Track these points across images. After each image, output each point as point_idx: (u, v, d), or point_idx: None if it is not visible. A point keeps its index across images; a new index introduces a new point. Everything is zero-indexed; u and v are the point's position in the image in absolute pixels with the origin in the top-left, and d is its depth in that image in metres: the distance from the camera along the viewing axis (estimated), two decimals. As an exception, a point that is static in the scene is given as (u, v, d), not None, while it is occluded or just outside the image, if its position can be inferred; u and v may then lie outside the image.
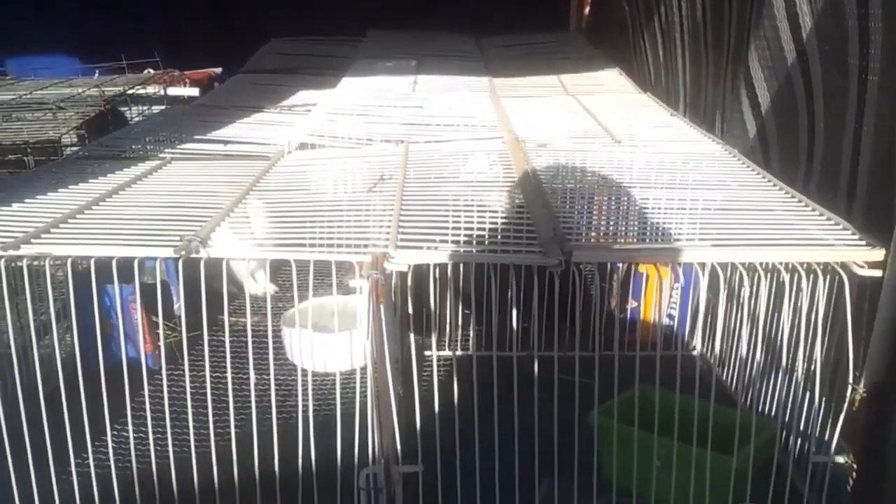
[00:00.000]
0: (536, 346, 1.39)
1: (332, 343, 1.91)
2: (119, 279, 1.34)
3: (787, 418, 1.51)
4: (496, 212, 1.58)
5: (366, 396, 1.32)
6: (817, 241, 1.39)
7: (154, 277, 1.71)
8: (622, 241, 1.79)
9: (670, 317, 2.13)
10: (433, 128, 2.28)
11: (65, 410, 1.32)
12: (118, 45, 4.08)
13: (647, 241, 1.58)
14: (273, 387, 1.39)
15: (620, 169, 1.85)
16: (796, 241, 1.39)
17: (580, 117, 2.45)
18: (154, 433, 1.43)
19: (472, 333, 2.07)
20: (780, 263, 1.32)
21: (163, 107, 3.66)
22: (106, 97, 3.43)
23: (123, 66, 4.00)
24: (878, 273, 1.29)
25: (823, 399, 1.40)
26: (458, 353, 2.06)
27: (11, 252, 1.31)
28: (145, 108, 3.72)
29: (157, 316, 1.98)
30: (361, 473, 1.34)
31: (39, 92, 3.52)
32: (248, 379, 1.45)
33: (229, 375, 1.38)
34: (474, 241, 1.43)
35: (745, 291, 1.38)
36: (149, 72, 4.06)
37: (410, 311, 1.42)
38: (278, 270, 2.44)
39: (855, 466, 1.36)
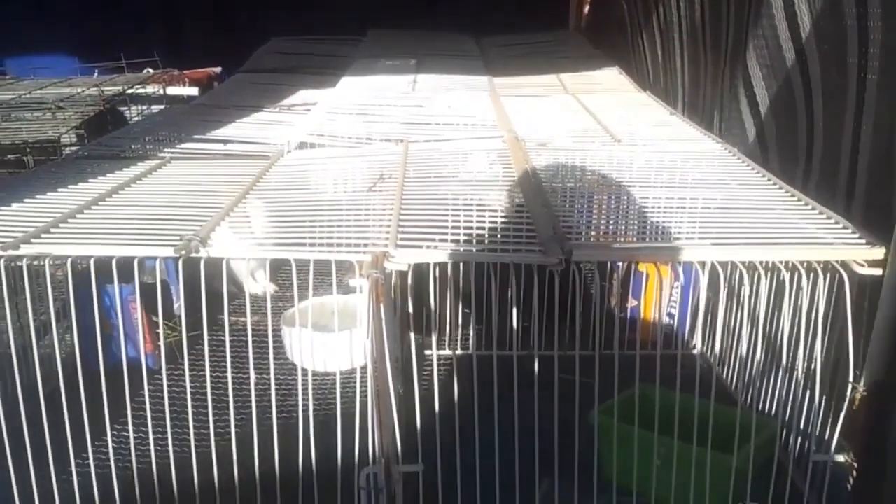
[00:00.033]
0: (537, 346, 1.39)
1: (332, 342, 1.91)
2: (119, 279, 1.34)
3: (787, 417, 1.51)
4: (496, 211, 1.58)
5: (366, 396, 1.32)
6: (817, 239, 1.39)
7: (154, 277, 1.71)
8: (622, 239, 1.79)
9: (670, 316, 2.13)
10: (433, 127, 2.28)
11: (65, 410, 1.32)
12: (118, 44, 4.08)
13: (647, 239, 1.58)
14: (273, 386, 1.39)
15: (620, 168, 1.85)
16: (796, 240, 1.39)
17: (580, 116, 2.45)
18: (154, 433, 1.43)
19: (472, 333, 2.07)
20: (780, 262, 1.32)
21: (162, 106, 3.66)
22: (105, 97, 3.42)
23: (122, 65, 3.99)
24: (878, 272, 1.29)
25: (823, 398, 1.40)
26: (459, 352, 2.06)
27: (11, 252, 1.31)
28: (144, 107, 3.72)
29: (157, 316, 1.98)
30: (362, 473, 1.34)
31: (39, 92, 3.52)
32: (249, 378, 1.45)
33: (229, 375, 1.38)
34: (474, 241, 1.43)
35: (745, 290, 1.38)
36: (148, 71, 4.05)
37: (410, 310, 1.42)
38: (278, 270, 2.44)
39: (855, 465, 1.36)
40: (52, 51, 4.57)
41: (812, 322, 1.34)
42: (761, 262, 1.34)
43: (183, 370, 1.37)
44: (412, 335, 1.65)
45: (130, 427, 1.38)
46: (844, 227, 1.42)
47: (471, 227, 1.49)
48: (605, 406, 1.53)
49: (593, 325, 1.84)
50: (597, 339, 1.79)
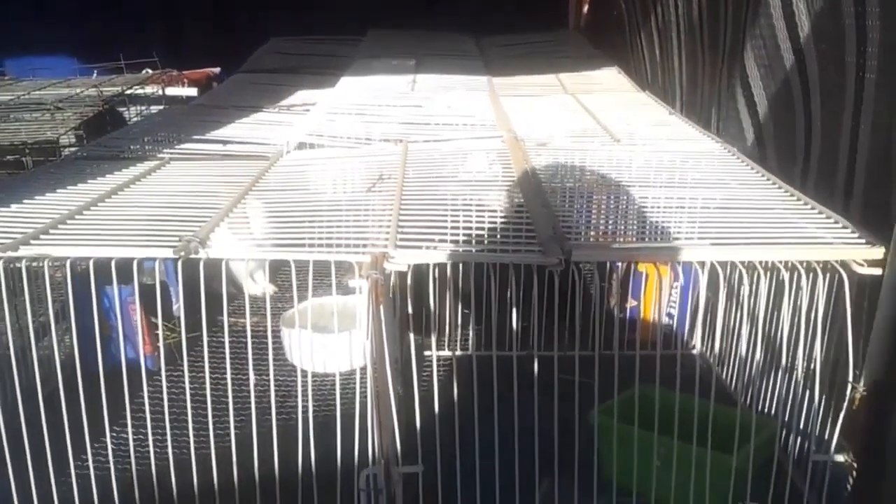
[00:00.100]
0: (536, 346, 1.39)
1: (332, 343, 1.91)
2: (118, 280, 1.33)
3: (786, 417, 1.51)
4: (495, 211, 1.58)
5: (365, 397, 1.32)
6: (817, 239, 1.39)
7: (153, 278, 1.71)
8: (622, 240, 1.79)
9: (670, 316, 2.13)
10: (432, 127, 2.28)
11: (64, 412, 1.32)
12: (118, 45, 4.08)
13: (647, 239, 1.58)
14: (273, 387, 1.38)
15: (620, 168, 1.84)
16: (796, 240, 1.39)
17: (579, 116, 2.45)
18: (153, 435, 1.43)
19: (471, 333, 2.06)
20: (780, 262, 1.32)
21: (161, 107, 3.66)
22: (104, 97, 3.42)
23: (121, 66, 3.99)
24: (877, 271, 1.28)
25: (823, 398, 1.40)
26: (458, 352, 2.06)
27: (10, 253, 1.31)
28: (143, 108, 3.72)
29: (156, 317, 1.98)
30: (361, 474, 1.34)
31: (38, 92, 3.52)
32: (248, 380, 1.44)
33: (229, 376, 1.38)
34: (474, 241, 1.43)
35: (745, 290, 1.37)
36: (147, 72, 4.05)
37: (410, 310, 1.42)
38: (278, 271, 2.44)
39: (855, 465, 1.36)
40: (51, 51, 4.58)
41: (811, 322, 1.34)
42: (761, 262, 1.34)
43: (182, 371, 1.36)
44: (412, 336, 1.65)
45: (130, 429, 1.38)
46: (844, 227, 1.42)
47: (470, 228, 1.49)
48: (605, 406, 1.53)
49: (593, 325, 1.84)
50: (596, 340, 1.79)
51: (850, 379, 1.34)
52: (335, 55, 3.73)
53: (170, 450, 1.41)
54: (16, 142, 2.84)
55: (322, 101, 2.65)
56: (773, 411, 1.60)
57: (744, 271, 1.32)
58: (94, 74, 4.15)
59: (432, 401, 1.39)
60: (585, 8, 4.71)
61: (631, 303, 2.14)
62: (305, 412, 1.41)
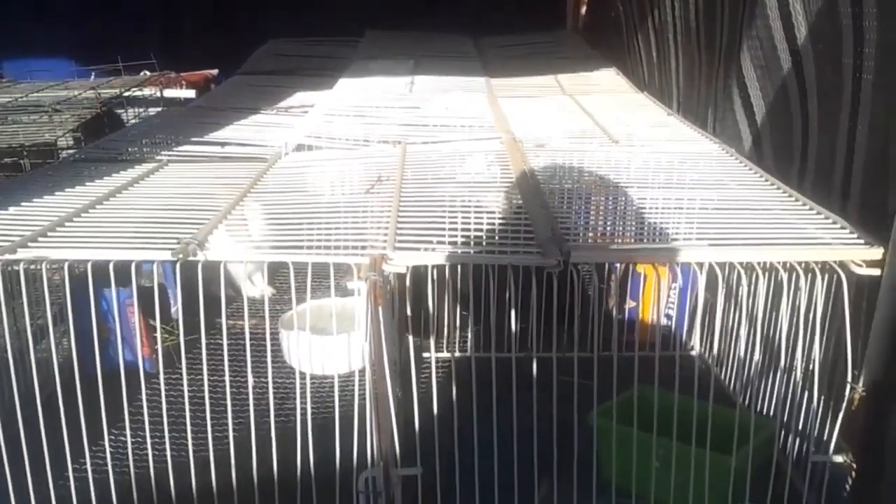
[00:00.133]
0: (535, 347, 1.39)
1: (331, 345, 1.91)
2: (116, 283, 1.33)
3: (785, 418, 1.51)
4: (494, 212, 1.58)
5: (364, 399, 1.32)
6: (815, 240, 1.39)
7: (151, 281, 1.70)
8: (620, 241, 1.79)
9: (668, 317, 2.13)
10: (430, 128, 2.28)
11: (62, 415, 1.32)
12: (117, 46, 4.08)
13: (645, 241, 1.58)
14: (271, 390, 1.38)
15: (618, 169, 1.84)
16: (794, 241, 1.39)
17: (577, 117, 2.45)
18: (152, 437, 1.42)
19: (470, 335, 2.06)
20: (779, 262, 1.32)
21: (159, 109, 3.66)
22: (102, 99, 3.42)
23: (119, 68, 3.99)
24: (876, 272, 1.29)
25: (822, 398, 1.40)
26: (457, 354, 2.06)
27: (8, 256, 1.30)
28: (141, 110, 3.71)
29: (154, 319, 1.97)
30: (360, 477, 1.34)
31: (35, 94, 3.51)
32: (246, 382, 1.44)
33: (227, 379, 1.38)
34: (472, 242, 1.43)
35: (744, 291, 1.37)
36: (145, 74, 4.05)
37: (409, 312, 1.42)
38: (276, 273, 2.44)
39: (854, 466, 1.36)
40: (50, 52, 4.57)
41: (810, 322, 1.34)
42: (759, 263, 1.34)
43: (181, 374, 1.36)
44: (410, 338, 1.65)
45: (128, 431, 1.38)
46: (842, 228, 1.42)
47: (469, 229, 1.49)
48: (604, 408, 1.52)
49: (591, 326, 1.83)
50: (595, 341, 1.78)
51: (849, 379, 1.34)
52: (333, 56, 3.73)
53: (168, 452, 1.40)
54: (13, 144, 2.84)
55: (320, 103, 2.65)
56: (771, 412, 1.60)
57: (742, 272, 1.32)
58: (92, 76, 4.15)
59: (431, 403, 1.39)
60: (583, 9, 4.72)
61: (629, 304, 2.14)
62: (304, 414, 1.41)
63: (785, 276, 1.30)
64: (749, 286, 1.40)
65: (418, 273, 1.39)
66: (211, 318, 1.38)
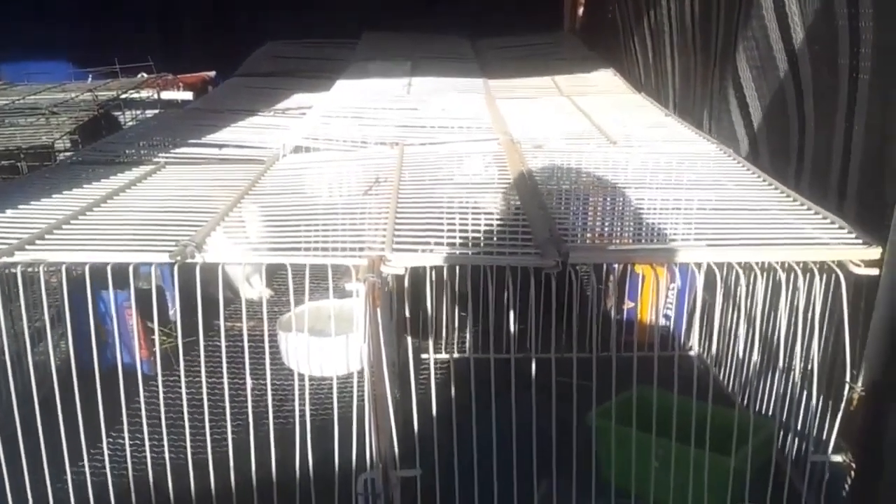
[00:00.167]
0: (534, 348, 1.39)
1: (329, 347, 1.91)
2: (114, 285, 1.33)
3: (784, 418, 1.51)
4: (492, 214, 1.58)
5: (363, 400, 1.32)
6: (813, 239, 1.39)
7: (149, 283, 1.70)
8: (618, 241, 1.79)
9: (667, 317, 2.13)
10: (428, 130, 2.28)
11: (60, 417, 1.31)
12: (117, 46, 4.08)
13: (644, 241, 1.58)
14: (269, 392, 1.38)
15: (616, 170, 1.85)
16: (792, 240, 1.39)
17: (575, 118, 2.45)
18: (150, 440, 1.42)
19: (468, 336, 2.06)
20: (777, 262, 1.33)
21: (156, 111, 3.65)
22: (99, 102, 3.41)
23: (116, 70, 3.98)
24: (874, 271, 1.29)
25: (821, 398, 1.40)
26: (456, 355, 2.06)
27: (5, 259, 1.30)
28: (139, 112, 3.71)
29: (152, 322, 1.97)
30: (359, 478, 1.33)
31: (32, 97, 3.51)
32: (245, 384, 1.44)
33: (225, 381, 1.37)
34: (470, 244, 1.43)
35: (742, 291, 1.38)
36: (142, 76, 4.04)
37: (407, 314, 1.42)
38: (274, 275, 2.44)
39: (853, 465, 1.36)
40: (48, 53, 4.57)
41: (809, 322, 1.34)
42: (757, 263, 1.34)
43: (179, 376, 1.36)
44: (409, 339, 1.65)
45: (126, 433, 1.37)
46: (840, 228, 1.42)
47: (467, 230, 1.49)
48: (603, 408, 1.52)
49: (590, 327, 1.83)
50: (594, 341, 1.78)
51: (848, 379, 1.34)
52: (331, 58, 3.73)
53: (167, 455, 1.40)
54: (11, 147, 2.83)
55: (318, 105, 2.65)
56: (770, 412, 1.60)
57: (740, 272, 1.32)
58: (90, 79, 4.14)
59: (430, 404, 1.39)
60: (580, 10, 4.73)
61: (628, 304, 2.14)
62: (302, 416, 1.41)
63: (783, 276, 1.30)
64: (747, 286, 1.40)
65: (417, 274, 1.39)
66: (209, 320, 1.38)
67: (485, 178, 1.82)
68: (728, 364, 1.87)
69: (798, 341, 1.36)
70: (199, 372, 1.41)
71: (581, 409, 1.45)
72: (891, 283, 1.28)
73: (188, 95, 3.99)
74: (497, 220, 1.56)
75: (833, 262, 1.31)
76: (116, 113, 3.60)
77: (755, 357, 1.56)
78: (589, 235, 1.81)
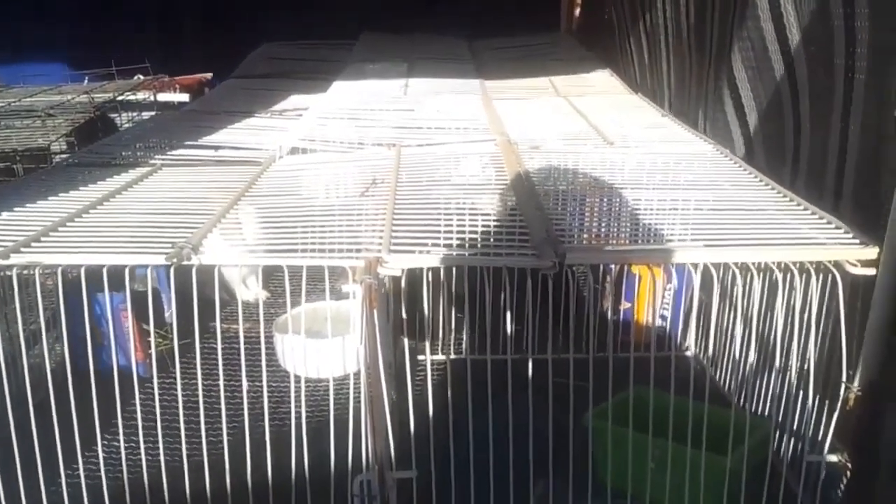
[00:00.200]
0: (530, 349, 1.39)
1: (325, 348, 1.90)
2: (110, 287, 1.33)
3: (780, 418, 1.51)
4: (489, 214, 1.57)
5: (359, 402, 1.31)
6: (810, 239, 1.39)
7: (145, 285, 1.70)
8: (615, 242, 1.79)
9: (663, 318, 2.13)
10: (425, 131, 2.28)
11: (54, 420, 1.31)
12: (117, 47, 4.07)
13: (640, 241, 1.58)
14: (266, 393, 1.38)
15: (613, 170, 1.85)
16: (789, 240, 1.39)
17: (572, 119, 2.45)
18: (146, 442, 1.42)
19: (465, 337, 2.06)
20: (773, 263, 1.33)
21: (153, 113, 3.65)
22: (96, 104, 3.41)
23: (113, 72, 3.98)
24: (871, 271, 1.29)
25: (817, 398, 1.40)
26: (452, 356, 2.05)
27: (1, 261, 1.30)
28: (135, 114, 3.70)
29: (148, 324, 1.97)
30: (355, 480, 1.33)
31: (28, 99, 3.50)
32: (241, 386, 1.44)
33: (221, 383, 1.37)
34: (467, 245, 1.43)
35: (738, 291, 1.38)
36: (139, 78, 4.04)
37: (404, 315, 1.42)
38: (270, 276, 2.43)
39: (848, 465, 1.36)
40: (45, 55, 4.56)
41: (805, 322, 1.34)
42: (754, 263, 1.34)
43: (175, 378, 1.36)
44: (405, 340, 1.65)
45: (121, 436, 1.37)
46: (837, 227, 1.42)
47: (464, 231, 1.49)
48: (600, 409, 1.52)
49: (587, 327, 1.83)
50: (590, 342, 1.78)
51: (844, 379, 1.35)
52: (328, 60, 3.73)
53: (162, 457, 1.40)
54: (6, 149, 2.83)
55: (314, 106, 2.65)
56: (766, 412, 1.60)
57: (737, 272, 1.32)
58: (86, 81, 4.14)
59: (426, 405, 1.39)
60: (577, 11, 4.73)
61: (625, 305, 2.14)
62: (299, 418, 1.41)
63: (780, 276, 1.30)
64: (744, 286, 1.40)
65: (413, 276, 1.38)
66: (205, 321, 1.38)
67: (482, 179, 1.82)
68: (724, 364, 1.87)
69: (794, 341, 1.36)
70: (196, 374, 1.41)
71: (578, 410, 1.45)
72: (887, 283, 1.28)
73: (185, 97, 3.99)
74: (494, 221, 1.56)
75: (830, 262, 1.31)
76: (113, 115, 3.59)
77: (752, 357, 1.56)
78: (586, 236, 1.81)
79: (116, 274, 1.32)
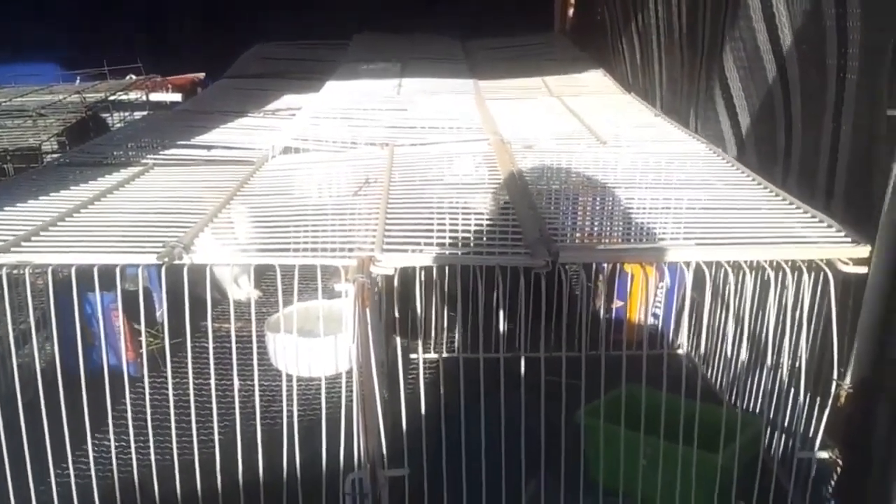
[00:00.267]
0: (523, 347, 1.39)
1: (317, 347, 1.90)
2: (100, 287, 1.32)
3: (771, 415, 1.51)
4: (482, 214, 1.57)
5: (351, 401, 1.31)
6: (802, 238, 1.40)
7: (136, 285, 1.69)
8: (608, 241, 1.79)
9: (656, 316, 2.14)
10: (418, 130, 2.28)
11: (44, 419, 1.30)
12: (111, 48, 4.06)
13: (633, 240, 1.58)
14: (257, 393, 1.37)
15: (605, 169, 1.85)
16: (781, 239, 1.39)
17: (565, 118, 2.46)
18: (136, 442, 1.41)
19: (457, 335, 2.06)
20: (765, 261, 1.33)
21: (145, 113, 3.64)
22: (87, 104, 3.39)
23: (105, 72, 3.96)
24: (862, 270, 1.29)
25: (808, 395, 1.40)
26: (444, 355, 2.05)
27: (-10, 260, 1.29)
28: (127, 114, 3.69)
29: (139, 323, 1.96)
30: (347, 478, 1.33)
31: (20, 99, 3.49)
32: (232, 385, 1.43)
33: (213, 382, 1.37)
34: (460, 244, 1.43)
35: (731, 289, 1.38)
36: (131, 77, 4.03)
37: (396, 314, 1.42)
38: (263, 275, 2.43)
39: (839, 462, 1.37)
40: (36, 54, 4.54)
41: (797, 320, 1.35)
42: (746, 262, 1.35)
43: (166, 378, 1.35)
44: (398, 339, 1.65)
45: (112, 435, 1.36)
46: (829, 226, 1.43)
47: (457, 230, 1.48)
48: (592, 407, 1.53)
49: (579, 326, 1.84)
50: (583, 340, 1.79)
51: (835, 376, 1.35)
52: (321, 60, 3.73)
53: (152, 456, 1.39)
54: (-3, 149, 2.82)
55: (308, 106, 2.64)
56: (758, 409, 1.60)
57: (729, 271, 1.32)
58: (77, 81, 4.12)
59: (418, 404, 1.38)
60: (570, 11, 4.74)
61: (617, 303, 2.15)
62: (290, 417, 1.40)
63: (772, 275, 1.31)
64: (736, 285, 1.40)
65: (406, 274, 1.38)
66: (196, 321, 1.37)
67: (475, 178, 1.82)
68: (716, 362, 1.87)
69: (786, 339, 1.36)
70: (187, 373, 1.41)
71: (570, 408, 1.45)
72: (878, 282, 1.29)
73: (177, 97, 3.98)
74: (487, 220, 1.56)
75: (822, 260, 1.31)
76: (104, 115, 3.58)
77: (743, 355, 1.57)
78: (578, 235, 1.81)
79: (107, 273, 1.31)
